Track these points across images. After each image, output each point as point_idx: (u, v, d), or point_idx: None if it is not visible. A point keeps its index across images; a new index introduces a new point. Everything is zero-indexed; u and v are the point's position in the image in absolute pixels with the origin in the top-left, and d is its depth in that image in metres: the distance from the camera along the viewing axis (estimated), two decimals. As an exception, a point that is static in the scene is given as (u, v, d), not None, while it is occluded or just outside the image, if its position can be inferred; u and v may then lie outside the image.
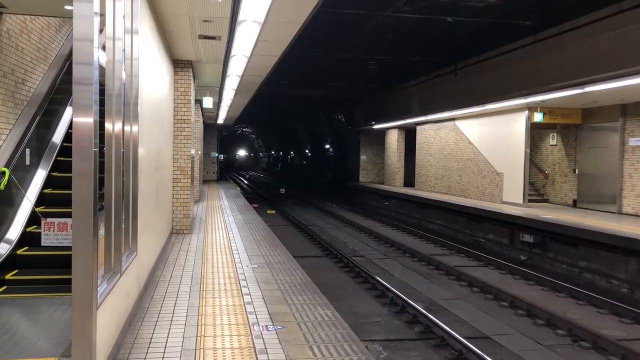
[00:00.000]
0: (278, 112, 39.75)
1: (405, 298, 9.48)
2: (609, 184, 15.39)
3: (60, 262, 5.84)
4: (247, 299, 6.09)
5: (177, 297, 6.12)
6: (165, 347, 4.54)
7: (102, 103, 3.79)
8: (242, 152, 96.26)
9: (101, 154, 3.83)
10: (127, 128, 4.75)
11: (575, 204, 16.91)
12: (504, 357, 7.12)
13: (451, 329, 7.77)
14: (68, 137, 7.77)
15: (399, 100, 25.04)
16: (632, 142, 14.54)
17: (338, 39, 16.23)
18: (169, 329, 5.01)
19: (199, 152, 20.00)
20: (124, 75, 4.59)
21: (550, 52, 13.75)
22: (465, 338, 7.42)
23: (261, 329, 5.04)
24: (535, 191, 18.61)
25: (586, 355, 7.40)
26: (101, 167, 3.82)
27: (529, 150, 16.89)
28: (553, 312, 8.87)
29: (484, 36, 15.22)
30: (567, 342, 7.87)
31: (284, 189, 35.23)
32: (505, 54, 15.66)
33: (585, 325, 8.25)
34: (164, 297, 6.12)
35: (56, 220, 6.06)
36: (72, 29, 3.74)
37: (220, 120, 28.11)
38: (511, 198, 17.31)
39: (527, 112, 16.37)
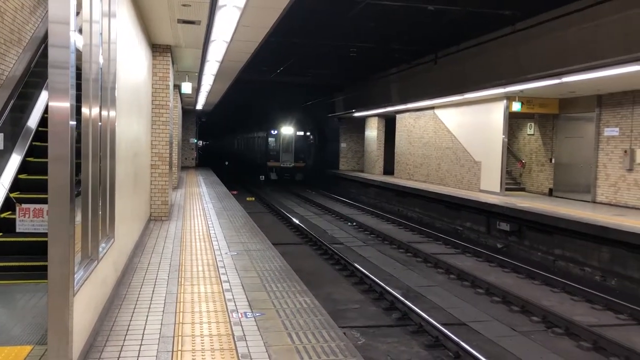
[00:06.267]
0: (258, 99, 39.49)
1: (383, 285, 9.57)
2: (584, 173, 15.65)
3: (36, 248, 5.75)
4: (225, 286, 6.08)
5: (155, 284, 6.09)
6: (143, 334, 4.52)
7: (78, 87, 3.72)
8: (288, 131, 35.93)
9: (78, 139, 3.77)
10: (104, 113, 4.68)
11: (551, 193, 17.18)
12: (480, 344, 7.23)
13: (428, 316, 7.87)
14: (44, 121, 7.62)
15: (380, 89, 25.07)
16: (607, 132, 14.79)
17: (319, 26, 16.14)
18: (147, 316, 4.98)
19: (178, 138, 19.80)
20: (101, 59, 4.51)
21: (528, 42, 13.86)
22: (442, 325, 7.53)
23: (240, 316, 5.04)
24: (512, 180, 18.85)
25: (559, 341, 7.56)
26: (78, 153, 3.77)
27: (506, 140, 17.08)
28: (528, 299, 9.04)
29: (464, 25, 15.27)
30: (541, 329, 8.04)
31: (263, 176, 35.13)
32: (484, 44, 15.74)
33: (559, 312, 8.44)
34: (142, 284, 6.08)
35: (32, 206, 5.96)
36: (47, 11, 3.66)
37: (199, 106, 27.85)
38: (489, 186, 17.51)
39: (505, 101, 16.52)
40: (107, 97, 4.81)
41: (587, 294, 9.59)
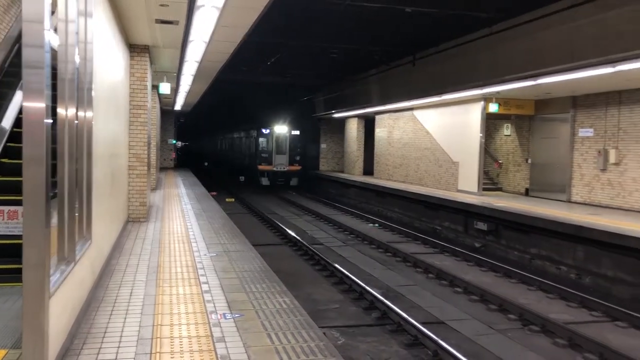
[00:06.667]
0: (238, 99, 39.33)
1: (363, 285, 9.61)
2: (559, 173, 15.90)
3: (11, 251, 5.64)
4: (204, 287, 6.06)
5: (133, 286, 6.03)
6: (121, 336, 4.48)
7: (54, 88, 3.68)
8: (281, 130, 31.38)
9: (54, 140, 3.72)
10: (80, 114, 4.63)
11: (527, 193, 17.42)
12: (458, 342, 7.31)
13: (407, 315, 7.93)
14: (18, 122, 7.50)
15: (359, 89, 25.16)
16: (582, 132, 15.06)
17: (299, 27, 16.14)
18: (125, 318, 4.94)
19: (156, 139, 19.63)
20: (77, 59, 4.46)
21: (505, 44, 14.04)
22: (420, 323, 7.59)
23: (219, 317, 5.03)
24: (489, 180, 19.07)
25: (535, 339, 7.68)
26: (54, 154, 3.72)
27: (484, 140, 17.27)
28: (505, 297, 9.16)
29: (442, 27, 15.40)
30: (518, 326, 8.15)
31: (243, 177, 34.96)
32: (462, 45, 15.89)
33: (535, 309, 8.56)
34: (120, 286, 6.03)
35: (6, 208, 5.86)
36: (21, 10, 3.61)
37: (177, 107, 27.66)
38: (466, 186, 17.70)
39: (482, 102, 16.71)
40: (83, 98, 4.76)
41: (563, 291, 9.75)
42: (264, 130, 31.04)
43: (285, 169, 30.81)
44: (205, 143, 64.62)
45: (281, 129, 31.16)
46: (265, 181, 30.66)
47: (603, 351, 6.93)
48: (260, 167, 30.66)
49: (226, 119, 47.03)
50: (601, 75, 11.33)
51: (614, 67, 10.42)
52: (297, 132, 31.45)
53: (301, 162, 31.47)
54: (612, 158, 13.91)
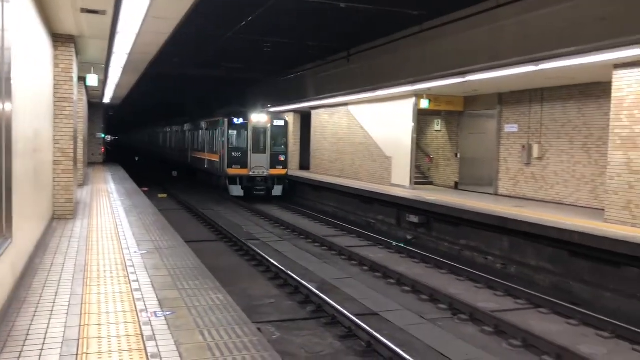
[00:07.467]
0: (171, 93, 38.36)
1: (299, 279, 9.65)
2: (486, 167, 16.56)
3: None
4: (134, 285, 5.90)
5: (58, 286, 5.79)
6: (45, 338, 4.29)
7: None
8: (259, 119, 23.59)
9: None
10: (-2, 105, 4.39)
11: (457, 186, 18.03)
12: (391, 332, 7.48)
13: (342, 307, 8.03)
14: None
15: (295, 84, 25.18)
16: (507, 128, 15.74)
17: (232, 20, 15.93)
18: (49, 319, 4.74)
19: (83, 133, 18.88)
20: (-7, 48, 4.23)
21: (434, 42, 14.43)
22: (354, 315, 7.71)
23: (149, 315, 4.91)
24: (421, 174, 19.59)
25: (464, 327, 7.97)
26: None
27: (415, 136, 17.71)
28: (435, 288, 9.46)
29: (375, 23, 15.63)
30: (448, 316, 8.43)
31: (176, 172, 34.22)
32: (394, 42, 16.21)
33: (464, 299, 8.88)
34: (44, 286, 5.77)
35: None
36: None
37: (106, 100, 26.69)
38: (399, 181, 18.10)
39: (414, 99, 17.13)
40: (1, 89, 4.51)
41: (490, 281, 10.17)
42: (235, 121, 23.34)
43: (266, 174, 23.35)
44: (139, 137, 62.04)
45: (259, 118, 23.48)
46: (236, 190, 22.94)
47: (526, 337, 7.29)
48: (230, 170, 23.09)
49: (169, 108, 44.07)
50: (524, 74, 11.86)
51: (536, 65, 10.92)
52: (282, 123, 24.02)
53: (286, 164, 24.07)
54: (535, 153, 14.62)
